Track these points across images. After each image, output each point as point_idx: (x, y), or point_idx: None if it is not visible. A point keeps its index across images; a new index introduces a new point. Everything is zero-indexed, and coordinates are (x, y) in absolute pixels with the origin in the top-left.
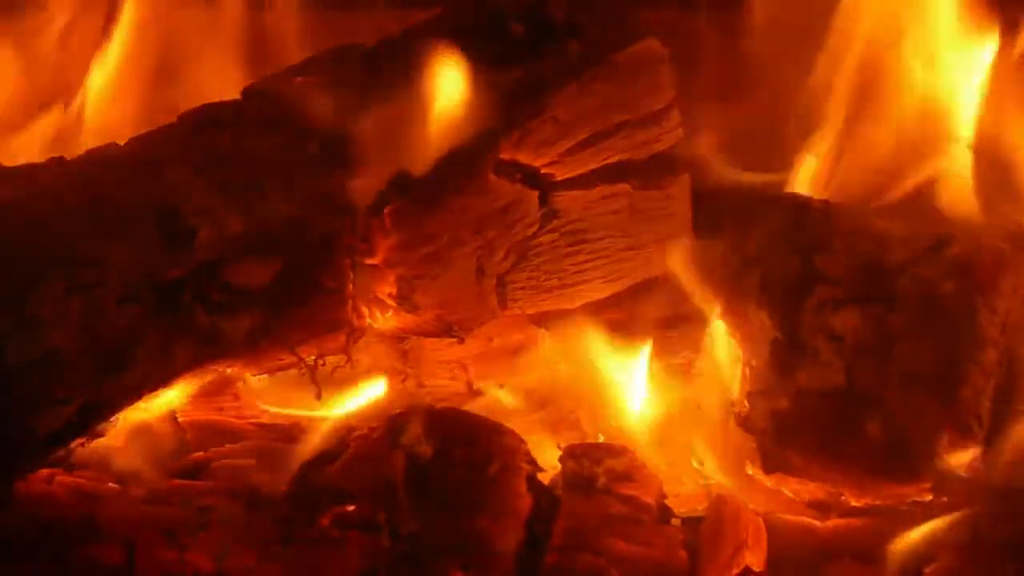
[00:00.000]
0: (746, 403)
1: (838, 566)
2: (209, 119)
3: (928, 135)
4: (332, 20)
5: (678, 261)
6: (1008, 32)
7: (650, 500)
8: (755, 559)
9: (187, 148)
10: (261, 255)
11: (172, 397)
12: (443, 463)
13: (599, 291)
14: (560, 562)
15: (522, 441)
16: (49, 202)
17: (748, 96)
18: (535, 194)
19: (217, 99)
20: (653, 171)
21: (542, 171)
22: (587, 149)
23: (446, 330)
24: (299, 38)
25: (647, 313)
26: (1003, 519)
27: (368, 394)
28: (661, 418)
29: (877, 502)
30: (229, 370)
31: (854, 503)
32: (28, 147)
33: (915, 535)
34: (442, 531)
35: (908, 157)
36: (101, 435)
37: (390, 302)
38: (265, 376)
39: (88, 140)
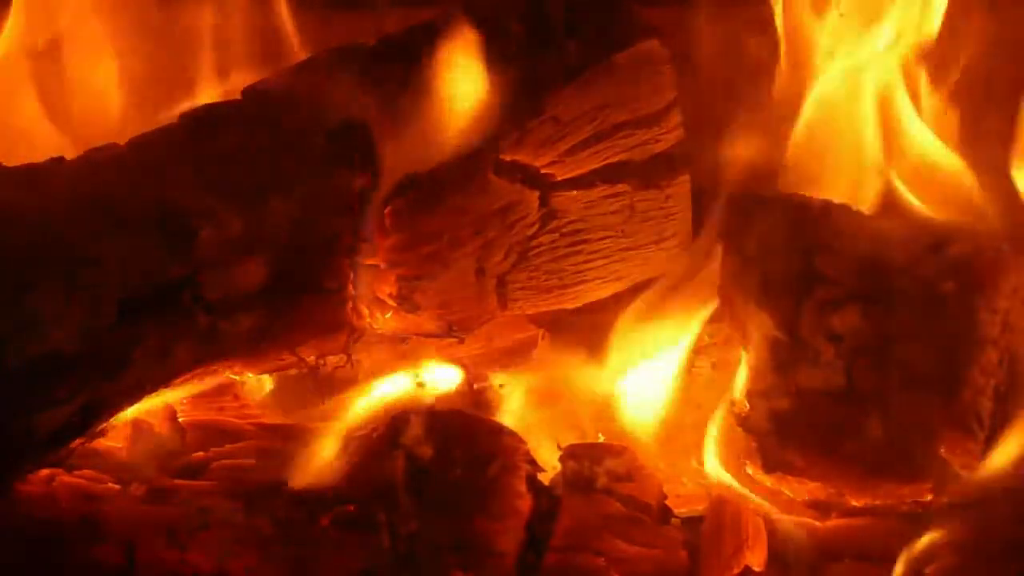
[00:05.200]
0: (746, 403)
1: (838, 566)
2: (209, 119)
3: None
4: (332, 20)
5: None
6: None
7: (650, 500)
8: (755, 559)
9: (187, 148)
10: (261, 255)
11: (172, 397)
12: (443, 463)
13: (599, 291)
14: (560, 562)
15: (522, 441)
16: (49, 202)
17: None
18: (535, 194)
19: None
20: (653, 171)
21: (542, 171)
22: (587, 149)
23: (446, 330)
24: (299, 38)
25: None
26: (1003, 519)
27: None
28: (661, 418)
29: (877, 502)
30: (229, 370)
31: (854, 503)
32: None
33: (916, 536)
34: (442, 531)
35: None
36: (101, 435)
37: (390, 302)
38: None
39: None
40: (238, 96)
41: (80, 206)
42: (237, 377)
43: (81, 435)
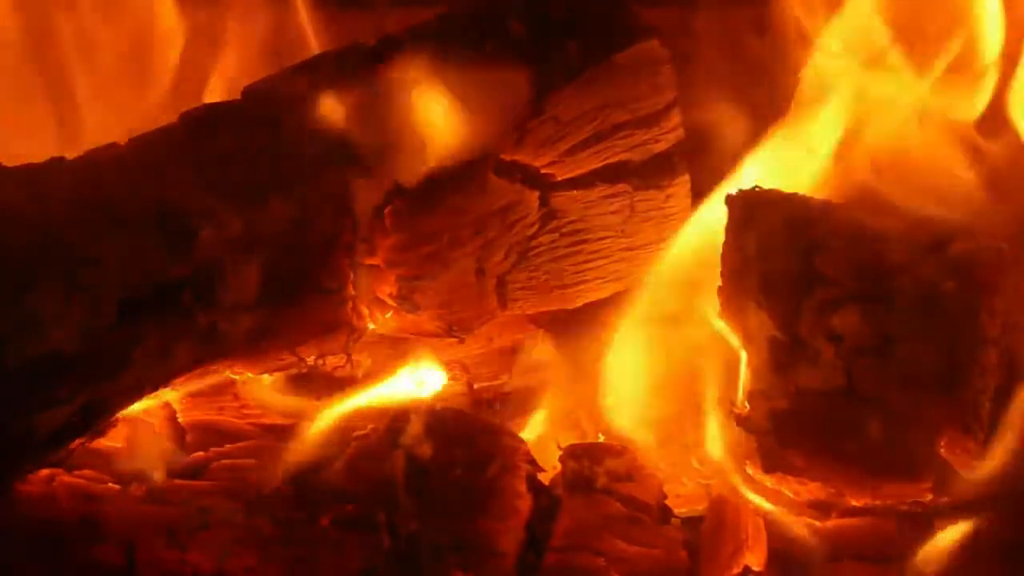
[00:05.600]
0: (746, 403)
1: (838, 566)
2: (209, 119)
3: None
4: (332, 20)
5: None
6: None
7: (650, 500)
8: (755, 559)
9: (187, 148)
10: (261, 255)
11: (172, 397)
12: (443, 463)
13: (599, 291)
14: (560, 562)
15: (522, 441)
16: (49, 202)
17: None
18: (535, 194)
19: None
20: (653, 171)
21: (542, 171)
22: (587, 149)
23: (446, 330)
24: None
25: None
26: (1003, 520)
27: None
28: (661, 418)
29: (877, 502)
30: (229, 370)
31: (854, 503)
32: None
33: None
34: (442, 531)
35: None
36: (101, 435)
37: (390, 302)
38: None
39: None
40: (238, 96)
41: (80, 206)
42: (237, 377)
43: (81, 435)
